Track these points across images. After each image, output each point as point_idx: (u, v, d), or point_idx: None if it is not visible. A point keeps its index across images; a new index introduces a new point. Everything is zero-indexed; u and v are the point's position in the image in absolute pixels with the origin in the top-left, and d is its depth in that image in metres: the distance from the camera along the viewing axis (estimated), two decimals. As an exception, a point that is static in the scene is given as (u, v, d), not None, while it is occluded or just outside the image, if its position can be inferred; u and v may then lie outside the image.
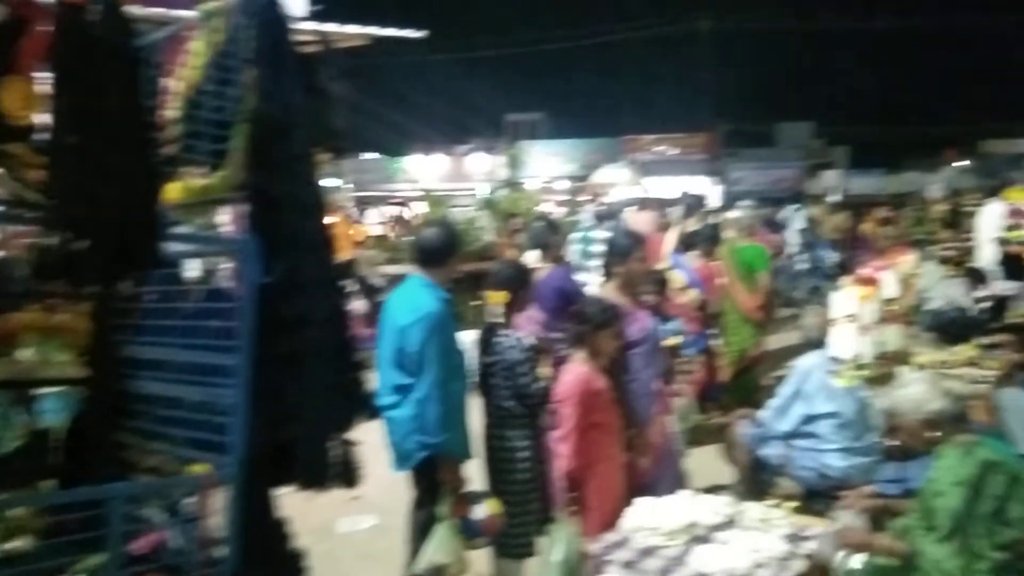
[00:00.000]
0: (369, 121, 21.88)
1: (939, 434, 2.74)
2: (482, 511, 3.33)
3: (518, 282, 3.68)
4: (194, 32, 2.32)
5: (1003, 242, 11.10)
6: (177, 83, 2.31)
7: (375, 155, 25.51)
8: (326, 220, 2.29)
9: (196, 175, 2.26)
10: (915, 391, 2.81)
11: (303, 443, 2.14)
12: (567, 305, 3.89)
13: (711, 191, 23.98)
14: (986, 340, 7.90)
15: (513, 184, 14.41)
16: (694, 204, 7.43)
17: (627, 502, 3.32)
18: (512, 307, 3.68)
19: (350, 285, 8.73)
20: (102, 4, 1.83)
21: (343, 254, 10.14)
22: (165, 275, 2.42)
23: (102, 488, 2.05)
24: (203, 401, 2.24)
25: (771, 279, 6.45)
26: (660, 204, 8.54)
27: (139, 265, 2.02)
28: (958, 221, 12.68)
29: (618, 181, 16.58)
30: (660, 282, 5.04)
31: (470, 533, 3.30)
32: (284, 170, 2.09)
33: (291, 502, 2.35)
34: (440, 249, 3.46)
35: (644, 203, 8.48)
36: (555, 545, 3.19)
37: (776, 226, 11.63)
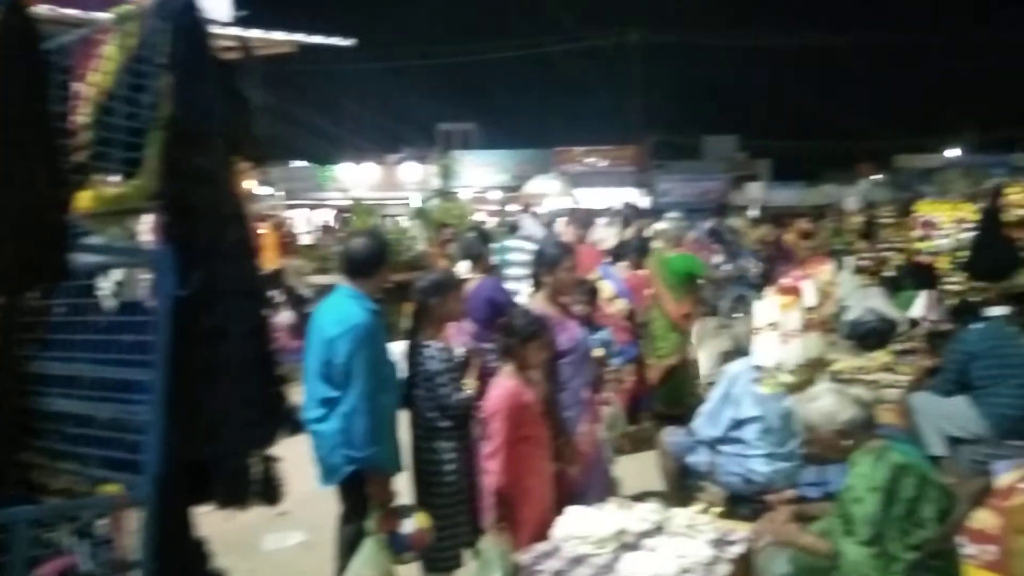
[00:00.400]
0: (298, 129, 21.56)
1: (852, 442, 2.83)
2: (411, 525, 3.28)
3: (433, 292, 3.65)
4: (107, 35, 2.23)
5: (913, 252, 11.64)
6: (89, 88, 2.22)
7: (305, 163, 25.15)
8: (248, 229, 2.23)
9: (109, 183, 2.17)
10: (826, 403, 2.89)
11: (222, 460, 2.08)
12: (498, 316, 3.88)
13: (640, 202, 24.48)
14: (900, 347, 8.26)
15: (445, 194, 14.39)
16: (631, 215, 7.58)
17: (557, 512, 3.32)
18: (425, 317, 3.65)
19: (277, 295, 8.56)
20: (5, 3, 1.75)
21: (270, 264, 9.95)
22: (77, 287, 2.32)
23: (4, 512, 1.95)
24: (116, 418, 2.15)
25: (703, 287, 6.58)
26: (590, 215, 8.66)
27: (46, 276, 1.93)
28: (873, 232, 13.20)
29: (549, 192, 16.73)
30: (590, 291, 5.09)
31: (399, 547, 3.25)
32: (201, 178, 2.03)
33: (212, 520, 2.28)
34: (368, 259, 3.41)
35: (574, 214, 8.59)
36: (487, 563, 3.15)
37: (719, 235, 11.85)
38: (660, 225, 7.47)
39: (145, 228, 2.52)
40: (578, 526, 3.17)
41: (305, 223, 18.61)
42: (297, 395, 3.21)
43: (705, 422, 4.35)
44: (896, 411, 5.17)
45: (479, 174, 24.30)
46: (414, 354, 3.62)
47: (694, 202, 21.09)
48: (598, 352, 4.92)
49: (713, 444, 4.32)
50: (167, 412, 2.02)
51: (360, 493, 3.27)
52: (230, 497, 2.12)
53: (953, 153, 25.82)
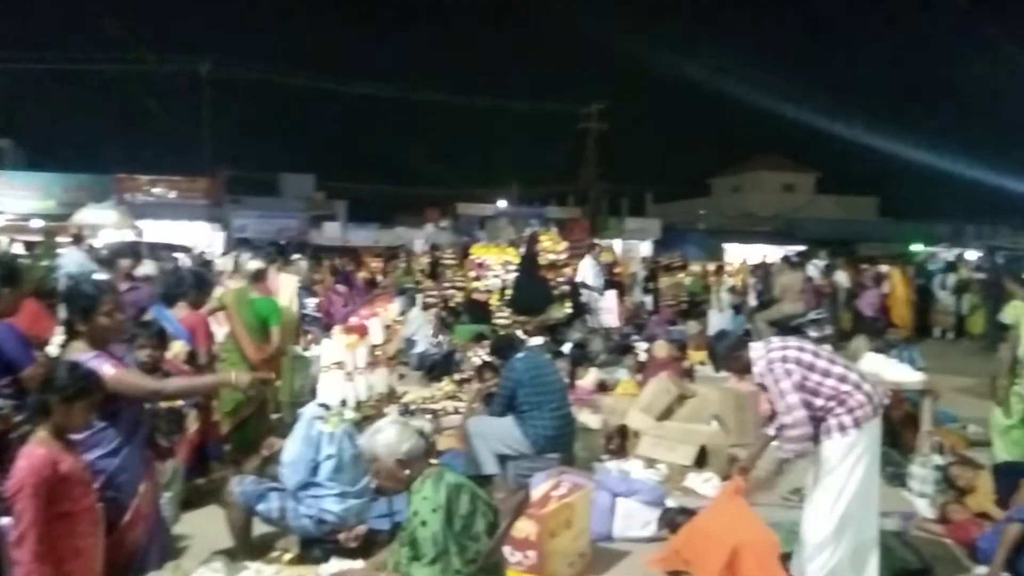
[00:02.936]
0: None
1: (411, 471, 2.97)
2: None
3: None
4: None
5: (471, 290, 12.97)
6: None
7: None
8: None
9: None
10: (388, 435, 3.00)
11: None
12: (6, 368, 3.26)
13: (213, 238, 23.31)
14: (460, 376, 9.09)
15: (-36, 220, 11.95)
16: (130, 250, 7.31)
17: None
18: None
19: None
20: None
21: None
22: None
23: None
24: None
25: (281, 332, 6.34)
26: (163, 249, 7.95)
27: None
28: (439, 272, 14.40)
29: (105, 222, 14.96)
30: (158, 334, 4.61)
31: None
32: None
33: None
34: None
35: (134, 247, 7.85)
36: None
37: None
38: (247, 263, 7.11)
39: None
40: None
41: None
42: None
43: (289, 470, 4.20)
44: (457, 435, 5.63)
45: (15, 199, 20.93)
46: None
47: (272, 239, 20.76)
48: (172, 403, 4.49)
49: (295, 488, 4.20)
50: None
51: None
52: None
53: (502, 204, 29.59)
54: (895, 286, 16.03)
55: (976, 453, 6.33)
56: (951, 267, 17.49)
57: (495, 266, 12.93)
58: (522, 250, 12.69)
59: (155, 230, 19.85)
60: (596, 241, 17.06)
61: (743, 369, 4.09)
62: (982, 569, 4.31)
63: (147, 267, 6.78)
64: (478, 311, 12.44)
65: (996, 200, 30.05)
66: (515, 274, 12.26)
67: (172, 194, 24.42)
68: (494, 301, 12.44)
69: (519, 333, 9.67)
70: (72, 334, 3.19)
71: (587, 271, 12.07)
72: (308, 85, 30.51)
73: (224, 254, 11.94)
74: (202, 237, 23.01)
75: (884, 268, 17.06)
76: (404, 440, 2.96)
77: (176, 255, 15.38)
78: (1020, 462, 5.50)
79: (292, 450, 4.20)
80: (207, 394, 5.48)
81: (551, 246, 13.25)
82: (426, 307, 12.33)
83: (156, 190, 24.35)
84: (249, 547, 4.22)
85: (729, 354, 4.21)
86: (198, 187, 24.75)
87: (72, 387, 2.88)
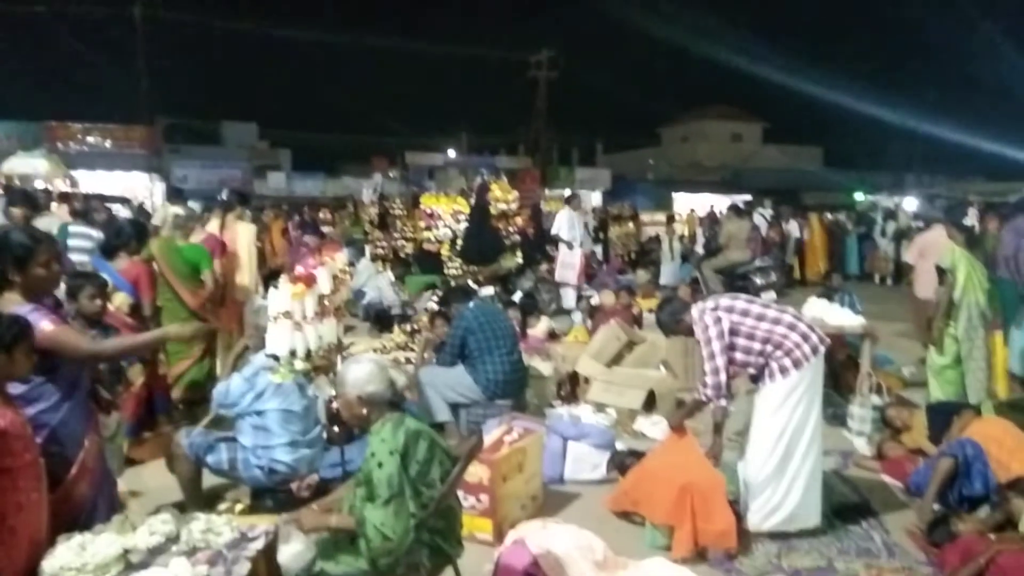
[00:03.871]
0: None
1: (368, 412, 2.96)
2: None
3: None
4: None
5: (421, 241, 12.87)
6: None
7: None
8: None
9: None
10: (362, 369, 2.99)
11: None
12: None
13: (152, 188, 22.60)
14: (410, 326, 9.06)
15: None
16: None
17: (54, 543, 2.84)
18: None
19: None
20: None
21: None
22: None
23: None
24: None
25: (214, 276, 6.21)
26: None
27: None
28: (388, 223, 14.21)
29: (37, 172, 14.38)
30: (101, 286, 4.44)
31: None
32: None
33: None
34: None
35: (25, 194, 7.65)
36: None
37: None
38: (172, 210, 6.96)
39: None
40: (75, 555, 2.75)
41: None
42: None
43: (221, 392, 4.17)
44: (409, 385, 5.63)
45: (-65, 147, 19.91)
46: None
47: (215, 190, 20.25)
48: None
49: (237, 437, 4.17)
50: None
51: None
52: None
53: (451, 154, 29.26)
54: (813, 233, 16.52)
55: (911, 393, 6.61)
56: (890, 215, 17.96)
57: (445, 216, 12.85)
58: (472, 200, 12.59)
59: (90, 180, 19.18)
60: (575, 192, 17.06)
61: (689, 331, 4.30)
62: (916, 501, 4.51)
63: (45, 220, 6.44)
64: (429, 261, 12.38)
65: (935, 150, 30.89)
66: (466, 224, 12.19)
67: (107, 143, 23.55)
68: (445, 251, 12.38)
69: (470, 283, 9.65)
70: (2, 285, 3.06)
71: (563, 223, 11.42)
72: (250, 30, 29.46)
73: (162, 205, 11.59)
74: (140, 188, 22.30)
75: (828, 216, 17.49)
76: (372, 381, 2.95)
77: (109, 206, 14.94)
78: (952, 401, 5.74)
79: (232, 380, 4.17)
80: (150, 350, 5.37)
81: (502, 196, 13.20)
82: (375, 257, 12.20)
83: (91, 139, 23.46)
84: (199, 499, 4.18)
85: (672, 319, 4.42)
86: (135, 136, 23.90)
87: (7, 335, 2.78)
